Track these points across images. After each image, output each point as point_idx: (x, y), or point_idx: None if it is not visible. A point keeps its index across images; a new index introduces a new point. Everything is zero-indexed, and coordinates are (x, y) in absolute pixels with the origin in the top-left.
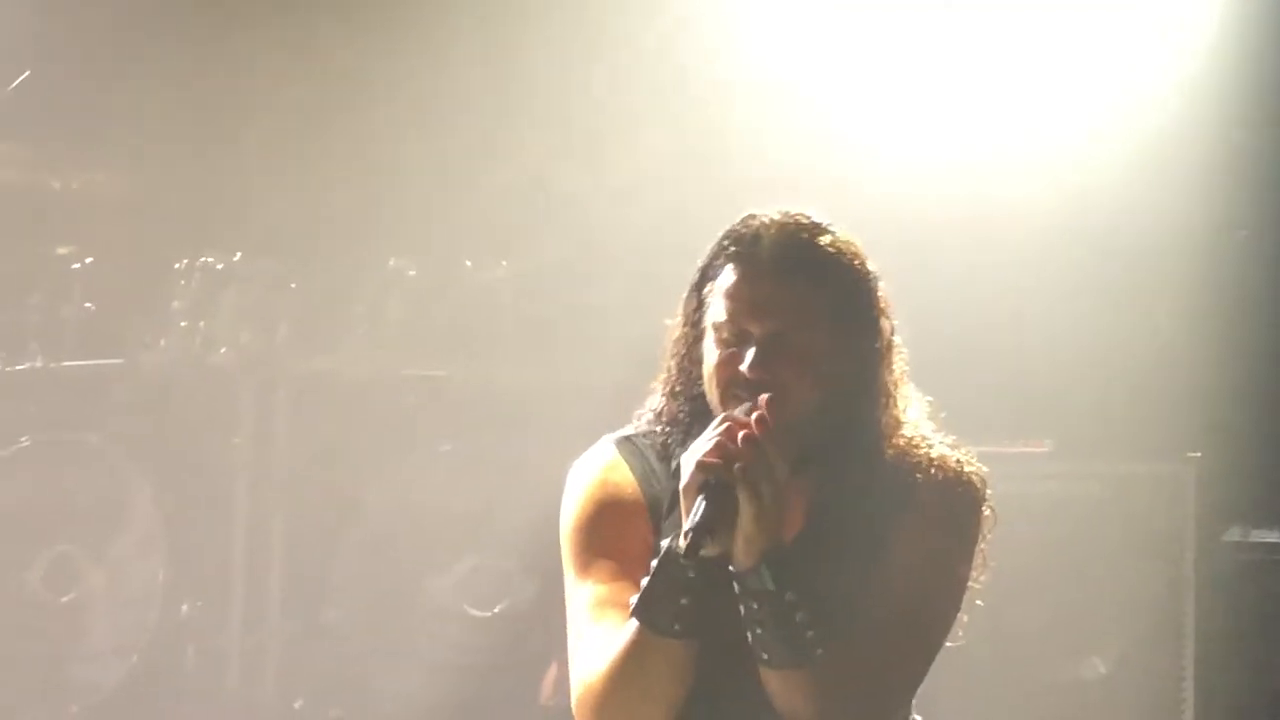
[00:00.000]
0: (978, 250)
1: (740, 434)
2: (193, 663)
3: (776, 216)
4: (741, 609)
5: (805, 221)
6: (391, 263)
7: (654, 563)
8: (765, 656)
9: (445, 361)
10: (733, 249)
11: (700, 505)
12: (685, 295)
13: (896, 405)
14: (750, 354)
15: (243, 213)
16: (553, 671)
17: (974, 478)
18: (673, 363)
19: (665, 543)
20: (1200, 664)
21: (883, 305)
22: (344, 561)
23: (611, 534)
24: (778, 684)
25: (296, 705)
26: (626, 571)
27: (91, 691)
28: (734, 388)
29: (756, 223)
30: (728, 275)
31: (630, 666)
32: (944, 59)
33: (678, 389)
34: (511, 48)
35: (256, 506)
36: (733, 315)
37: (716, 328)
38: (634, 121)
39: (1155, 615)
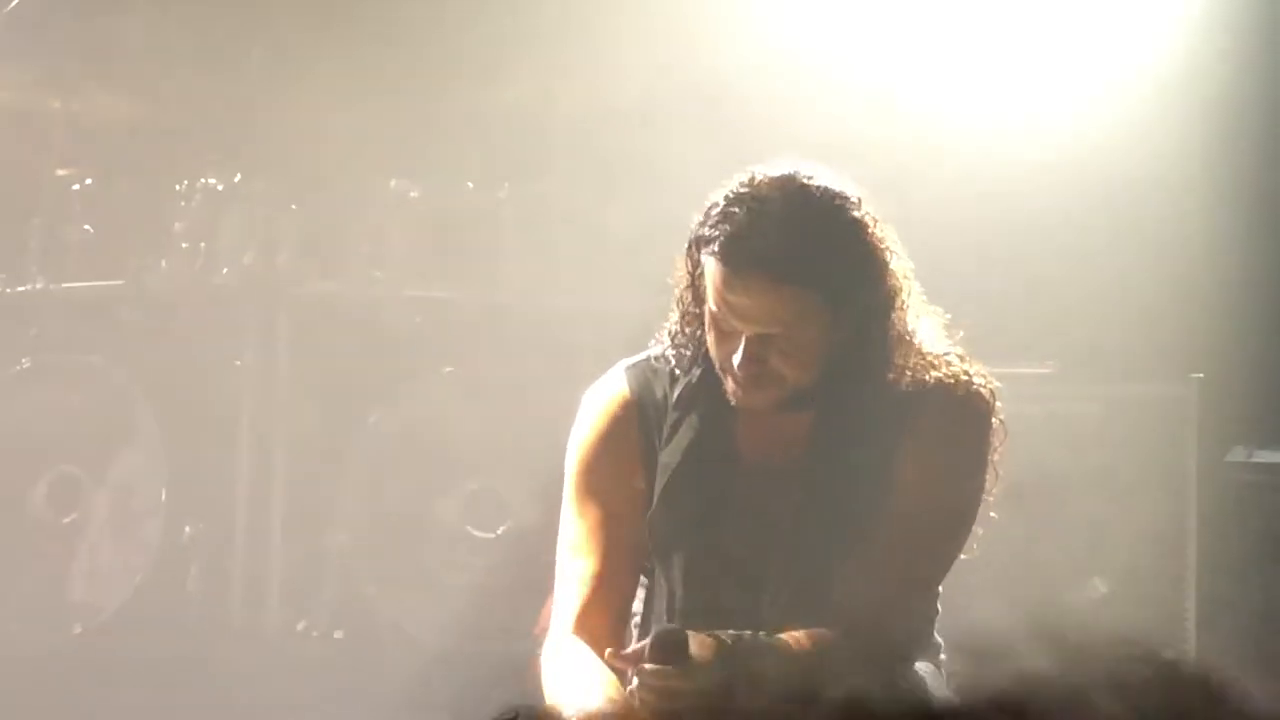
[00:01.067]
0: (981, 177)
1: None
2: (195, 584)
3: (767, 192)
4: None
5: (795, 196)
6: (393, 184)
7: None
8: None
9: (448, 284)
10: (720, 238)
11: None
12: (687, 252)
13: (908, 335)
14: (739, 354)
15: (243, 134)
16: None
17: (983, 391)
18: (676, 309)
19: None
20: (1202, 585)
21: (885, 248)
22: (347, 484)
23: (606, 478)
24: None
25: (299, 627)
26: (612, 515)
27: (95, 612)
28: (730, 366)
29: (746, 203)
30: (715, 269)
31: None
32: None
33: (678, 337)
34: None
35: (259, 428)
36: (722, 313)
37: (711, 312)
38: (643, 44)
39: (1158, 536)
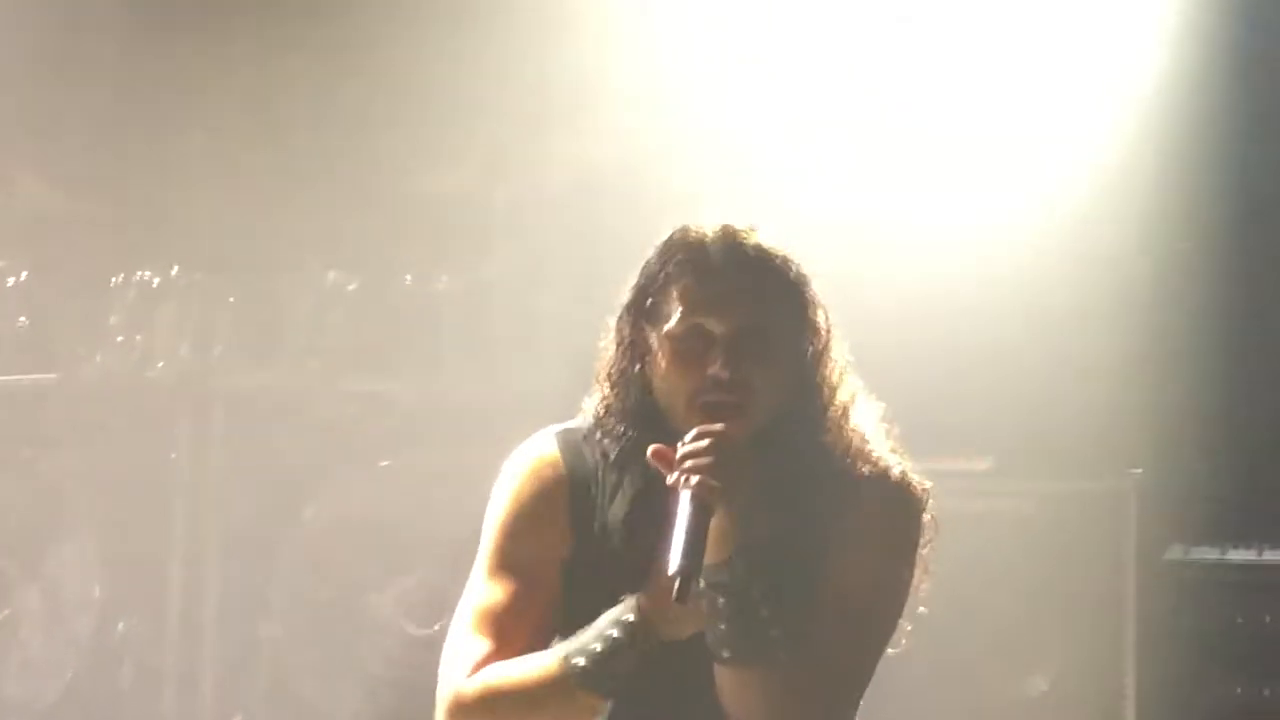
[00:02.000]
0: (919, 266)
1: (708, 438)
2: (129, 679)
3: (714, 225)
4: (705, 604)
5: (742, 228)
6: (330, 276)
7: (613, 632)
8: (726, 654)
9: (385, 376)
10: (679, 258)
11: (682, 540)
12: (619, 316)
13: (838, 405)
14: (720, 355)
15: (180, 227)
16: None
17: (916, 486)
18: (607, 384)
19: (628, 616)
20: (1141, 681)
21: (818, 304)
22: (282, 577)
23: (527, 542)
24: (733, 683)
25: None
26: (529, 588)
27: (25, 708)
28: (701, 395)
29: (696, 232)
30: (681, 282)
31: (548, 704)
32: (899, 77)
33: (613, 408)
34: (448, 59)
35: (193, 522)
36: (692, 318)
37: (672, 337)
38: (575, 128)
39: (1097, 633)
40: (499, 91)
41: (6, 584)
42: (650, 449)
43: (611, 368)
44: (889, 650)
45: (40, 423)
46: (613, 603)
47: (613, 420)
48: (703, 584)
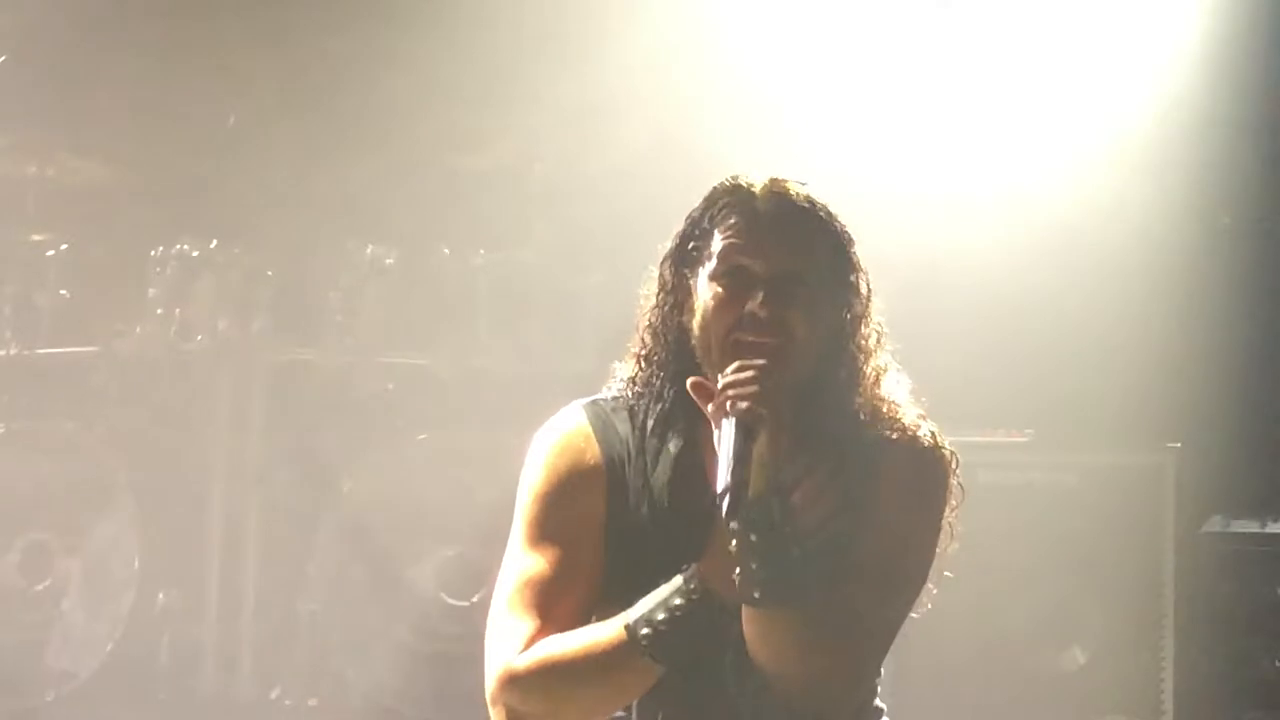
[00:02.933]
0: (959, 240)
1: (751, 369)
2: (168, 651)
3: (762, 176)
4: (736, 544)
5: (791, 180)
6: (369, 250)
7: (677, 600)
8: (756, 594)
9: (423, 349)
10: (725, 201)
11: (729, 460)
12: (661, 263)
13: (871, 370)
14: (760, 294)
15: (219, 200)
16: None
17: (943, 450)
18: (647, 333)
19: (692, 583)
20: (1179, 654)
21: (860, 267)
22: (320, 550)
23: (565, 513)
24: (761, 627)
25: (273, 695)
26: (571, 559)
27: (67, 679)
28: (738, 331)
29: (744, 181)
30: (726, 224)
31: (608, 676)
32: (937, 53)
33: (653, 357)
34: (491, 34)
35: (233, 495)
36: (735, 258)
37: (714, 277)
38: (615, 109)
39: (1135, 606)
40: (540, 71)
41: (47, 556)
42: (690, 381)
43: (652, 315)
44: (913, 614)
45: (80, 395)
46: (654, 571)
47: (652, 370)
48: (734, 525)
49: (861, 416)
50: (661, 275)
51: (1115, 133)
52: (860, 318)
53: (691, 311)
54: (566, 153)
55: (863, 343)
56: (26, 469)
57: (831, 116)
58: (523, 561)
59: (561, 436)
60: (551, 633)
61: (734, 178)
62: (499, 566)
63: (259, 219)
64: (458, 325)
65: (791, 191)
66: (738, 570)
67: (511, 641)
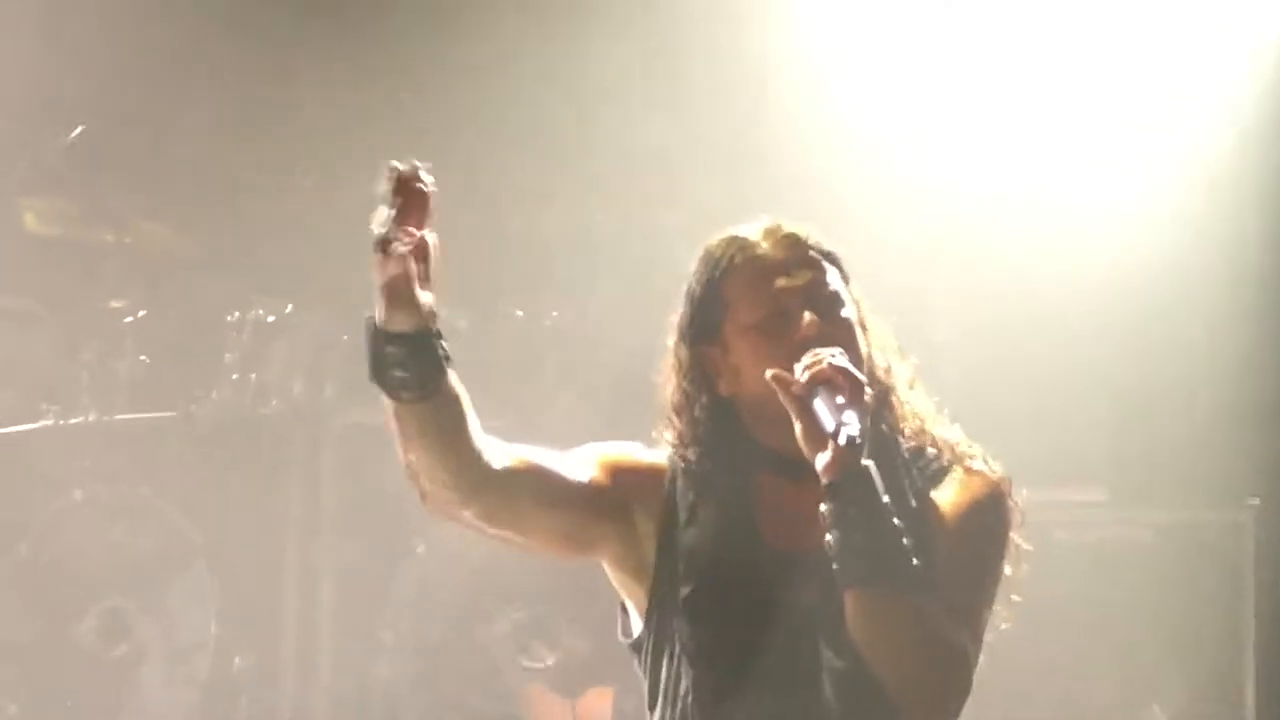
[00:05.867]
0: (1032, 296)
1: (826, 356)
2: (245, 716)
3: (744, 228)
4: (832, 520)
5: (773, 220)
6: (442, 313)
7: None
8: (864, 570)
9: (496, 411)
10: (726, 260)
11: (822, 409)
12: (675, 344)
13: (894, 381)
14: (802, 319)
15: (294, 265)
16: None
17: (996, 472)
18: (674, 414)
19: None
20: (1260, 712)
21: (850, 283)
22: (395, 614)
23: (610, 489)
24: (868, 607)
25: None
26: (562, 476)
27: None
28: (797, 359)
29: (729, 237)
30: (735, 278)
31: (395, 426)
32: (998, 87)
33: (685, 436)
34: (560, 100)
35: (307, 559)
36: (766, 298)
37: (750, 328)
38: (689, 167)
39: (1216, 664)
40: (605, 131)
41: (125, 621)
42: (769, 372)
43: (675, 399)
44: (987, 637)
45: (157, 460)
46: (698, 606)
47: (687, 449)
48: (832, 506)
49: (908, 440)
50: (676, 358)
51: (1189, 184)
52: (863, 325)
53: (722, 377)
54: (638, 211)
55: (890, 364)
56: (103, 534)
57: (894, 173)
58: (560, 459)
59: (641, 454)
60: (513, 465)
61: (713, 243)
62: (573, 629)
63: (333, 283)
64: (530, 386)
65: (783, 228)
66: (838, 557)
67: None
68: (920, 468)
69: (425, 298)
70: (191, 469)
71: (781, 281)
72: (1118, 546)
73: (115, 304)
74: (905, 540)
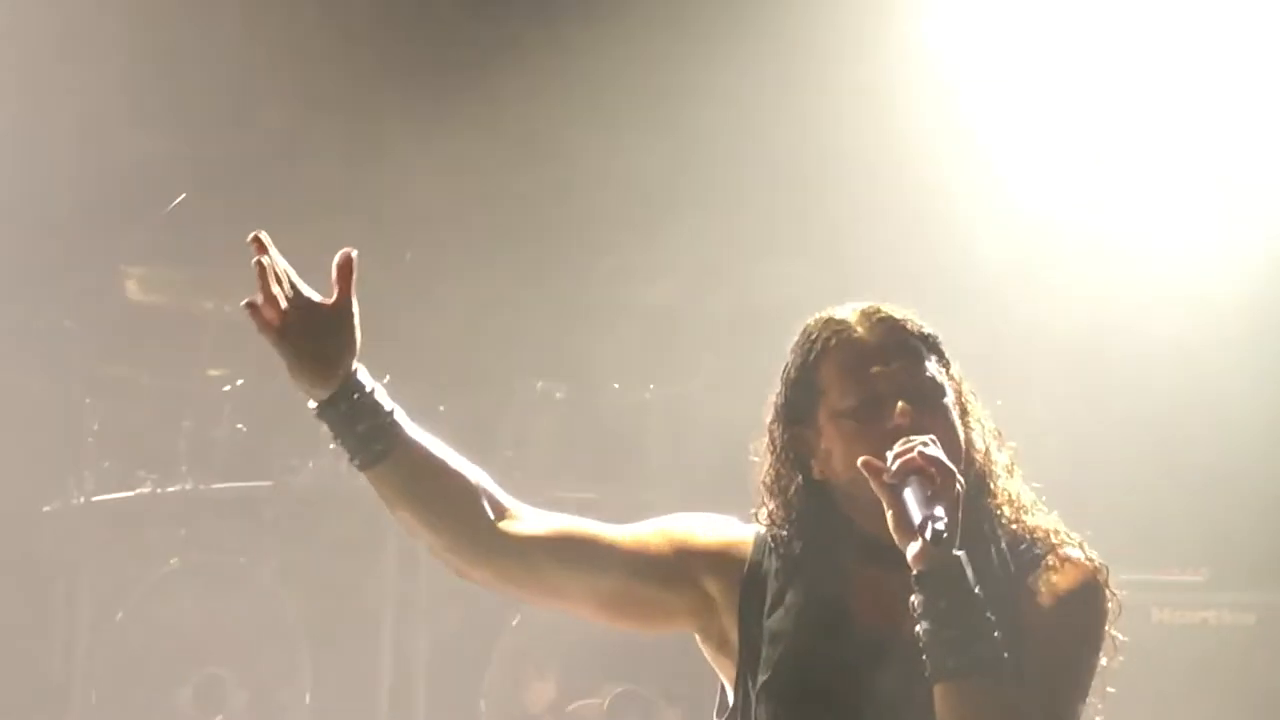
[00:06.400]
0: (1133, 374)
1: (918, 445)
2: None
3: (843, 310)
4: (922, 610)
5: (873, 304)
6: (540, 385)
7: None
8: (951, 663)
9: (594, 484)
10: (822, 341)
11: (917, 501)
12: (770, 424)
13: (1000, 470)
14: (894, 407)
15: (391, 335)
16: None
17: (1095, 561)
18: (767, 494)
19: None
20: None
21: (950, 366)
22: (490, 686)
23: (681, 556)
24: (956, 699)
25: None
26: (606, 543)
27: None
28: (887, 448)
29: (825, 319)
30: (829, 364)
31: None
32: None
33: (776, 516)
34: (655, 174)
35: (402, 630)
36: (857, 388)
37: (842, 414)
38: (782, 242)
39: None
40: (716, 207)
41: (221, 690)
42: (861, 460)
43: (769, 477)
44: None
45: (253, 529)
46: (783, 688)
47: (779, 528)
48: (922, 598)
49: (1005, 528)
50: (771, 437)
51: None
52: (965, 409)
53: (816, 458)
54: (740, 288)
55: (974, 431)
56: (200, 603)
57: (1010, 259)
58: (619, 528)
59: (725, 528)
60: (553, 543)
61: (812, 324)
62: (665, 704)
63: (431, 354)
64: (627, 460)
65: (882, 311)
66: (927, 648)
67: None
68: (1017, 555)
69: (334, 362)
70: (287, 538)
71: (876, 368)
72: (1218, 628)
73: (214, 372)
74: (996, 634)
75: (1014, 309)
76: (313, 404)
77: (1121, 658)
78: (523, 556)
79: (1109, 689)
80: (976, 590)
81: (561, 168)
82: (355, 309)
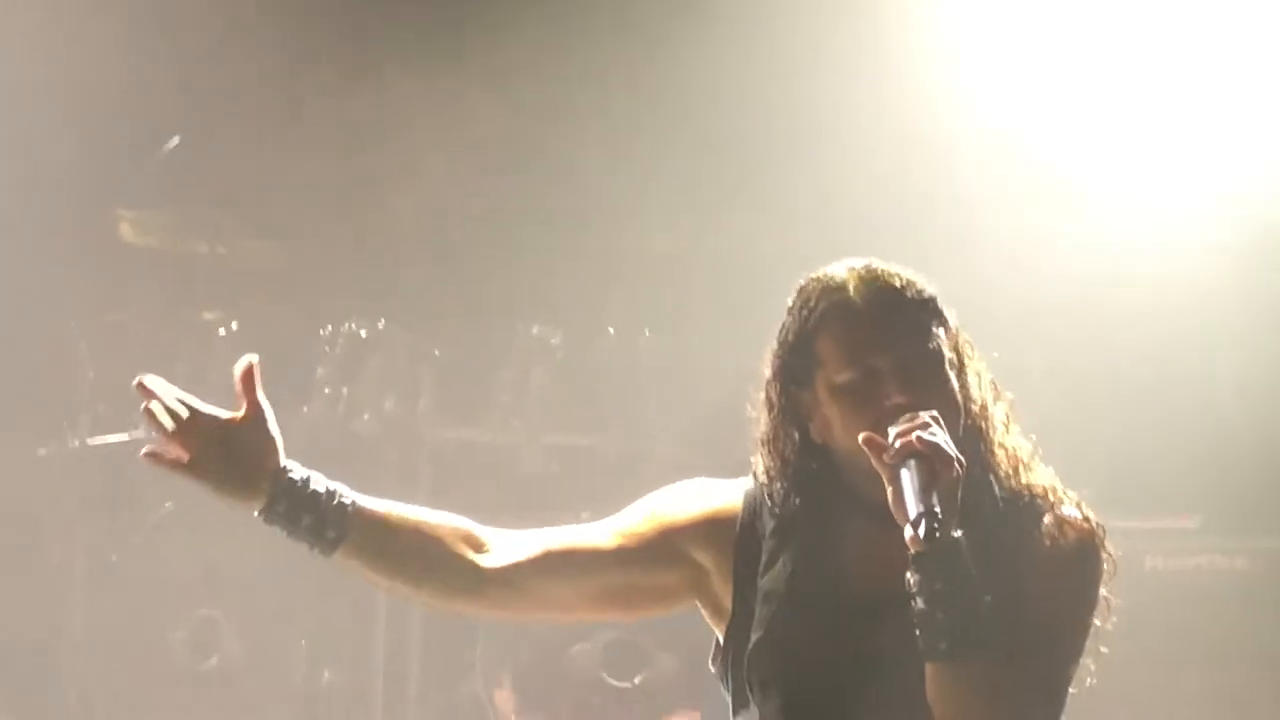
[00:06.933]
0: (1129, 322)
1: (919, 422)
2: None
3: (839, 271)
4: (917, 590)
5: (865, 264)
6: (535, 330)
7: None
8: (944, 645)
9: (587, 430)
10: (821, 306)
11: (914, 491)
12: (766, 384)
13: (999, 425)
14: (893, 385)
15: (388, 281)
16: None
17: (1092, 521)
18: (764, 452)
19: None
20: None
21: (951, 318)
22: (484, 630)
23: (666, 534)
24: (947, 681)
25: None
26: (587, 547)
27: None
28: (886, 424)
29: (832, 279)
30: (829, 332)
31: None
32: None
33: (772, 472)
34: (658, 121)
35: None
36: (856, 361)
37: (840, 388)
38: (781, 190)
39: None
40: (710, 155)
41: (214, 633)
42: (862, 436)
43: (767, 435)
44: (1071, 690)
45: None
46: (773, 644)
47: (775, 484)
48: (918, 577)
49: (1003, 485)
50: (768, 396)
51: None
52: (963, 366)
53: (818, 423)
54: (736, 237)
55: (972, 388)
56: (195, 547)
57: (1005, 209)
58: (601, 523)
59: (711, 493)
60: (538, 562)
61: (813, 281)
62: (662, 648)
63: (426, 300)
64: (623, 406)
65: (879, 274)
66: (920, 627)
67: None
68: (1014, 513)
69: (258, 471)
70: None
71: (874, 343)
72: (1211, 574)
73: (208, 316)
74: (990, 615)
75: (1012, 256)
76: (255, 513)
77: (1115, 618)
78: (508, 583)
79: (1102, 649)
80: (973, 572)
81: (557, 112)
82: (267, 410)
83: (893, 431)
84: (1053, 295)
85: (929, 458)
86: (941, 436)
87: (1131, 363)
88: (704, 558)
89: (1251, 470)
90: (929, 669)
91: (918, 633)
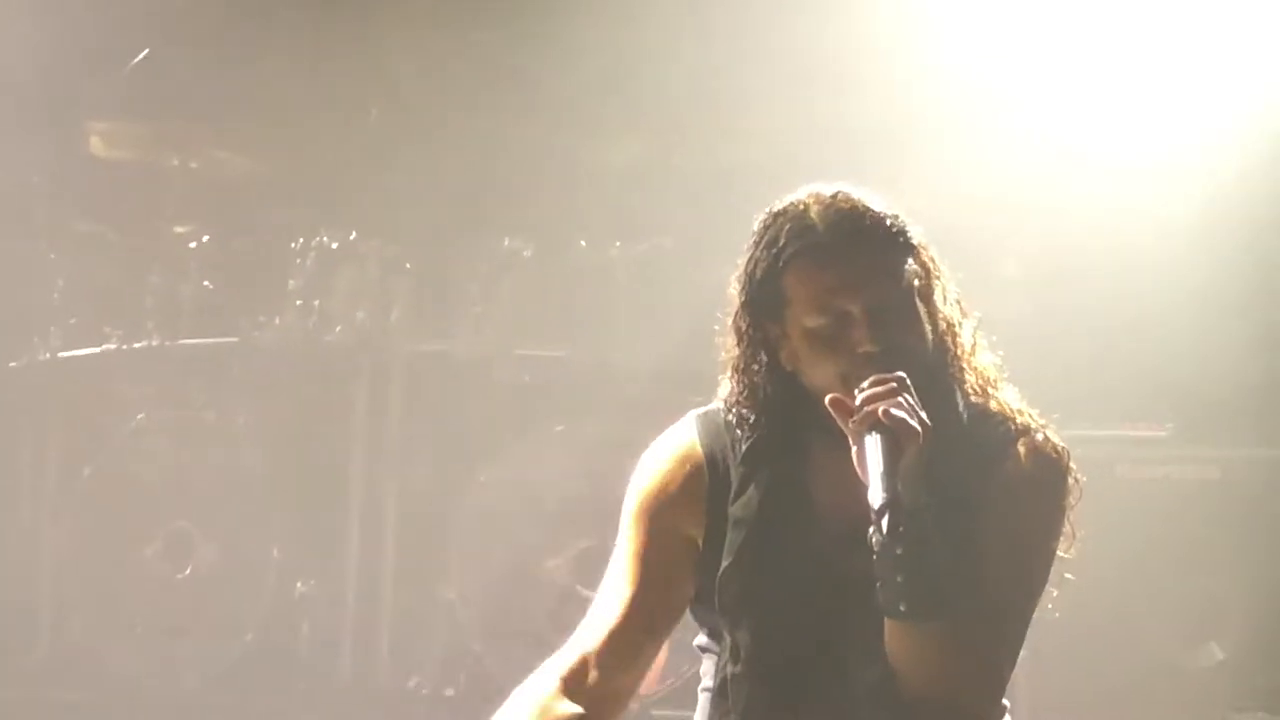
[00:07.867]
0: (1098, 232)
1: (890, 381)
2: (307, 640)
3: (810, 200)
4: (877, 549)
5: (838, 194)
6: (506, 242)
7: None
8: (902, 607)
9: (559, 342)
10: (787, 241)
11: (881, 471)
12: (734, 314)
13: (967, 346)
14: (864, 331)
15: (358, 193)
16: (661, 658)
17: (1059, 447)
18: (733, 379)
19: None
20: None
21: (923, 246)
22: (457, 541)
23: (658, 529)
24: (906, 640)
25: (410, 684)
26: (663, 560)
27: (208, 665)
28: (856, 372)
29: (800, 211)
30: (798, 268)
31: None
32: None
33: (742, 398)
34: (627, 29)
35: (371, 485)
36: (825, 305)
37: (809, 330)
38: (751, 100)
39: (1275, 601)
40: (680, 66)
41: (187, 544)
42: (829, 398)
43: (736, 361)
44: (1036, 614)
45: (220, 386)
46: (747, 574)
47: (744, 410)
48: (880, 540)
49: (970, 406)
50: (737, 325)
51: (1264, 134)
52: (929, 290)
53: (788, 355)
54: (704, 146)
55: (940, 312)
56: (168, 458)
57: (965, 112)
58: (613, 579)
59: (670, 457)
60: (606, 654)
61: (780, 213)
62: None
63: (398, 212)
64: (594, 317)
65: (846, 207)
66: (880, 584)
67: (554, 659)
68: (981, 437)
69: None
70: (255, 394)
71: (843, 285)
72: (1181, 483)
73: (179, 229)
74: (951, 578)
75: (981, 168)
76: None
77: (1078, 546)
78: (603, 699)
79: (1067, 575)
80: (934, 536)
81: (527, 23)
82: None
83: (860, 396)
84: (1023, 198)
85: (894, 431)
86: (908, 404)
87: (1103, 273)
88: (692, 527)
89: (1223, 380)
90: (888, 626)
91: (878, 588)
